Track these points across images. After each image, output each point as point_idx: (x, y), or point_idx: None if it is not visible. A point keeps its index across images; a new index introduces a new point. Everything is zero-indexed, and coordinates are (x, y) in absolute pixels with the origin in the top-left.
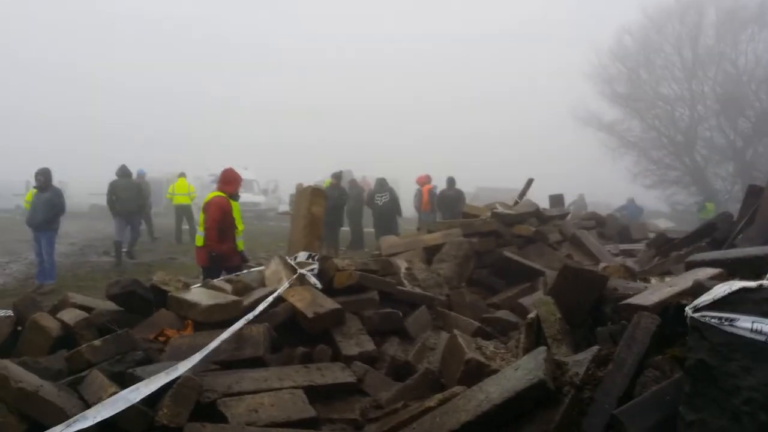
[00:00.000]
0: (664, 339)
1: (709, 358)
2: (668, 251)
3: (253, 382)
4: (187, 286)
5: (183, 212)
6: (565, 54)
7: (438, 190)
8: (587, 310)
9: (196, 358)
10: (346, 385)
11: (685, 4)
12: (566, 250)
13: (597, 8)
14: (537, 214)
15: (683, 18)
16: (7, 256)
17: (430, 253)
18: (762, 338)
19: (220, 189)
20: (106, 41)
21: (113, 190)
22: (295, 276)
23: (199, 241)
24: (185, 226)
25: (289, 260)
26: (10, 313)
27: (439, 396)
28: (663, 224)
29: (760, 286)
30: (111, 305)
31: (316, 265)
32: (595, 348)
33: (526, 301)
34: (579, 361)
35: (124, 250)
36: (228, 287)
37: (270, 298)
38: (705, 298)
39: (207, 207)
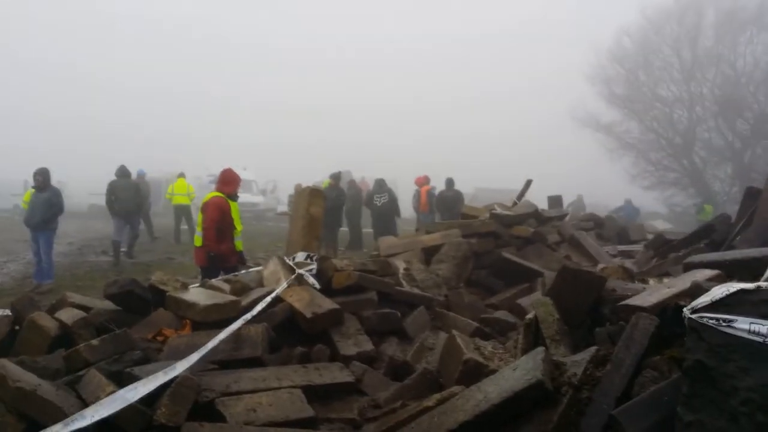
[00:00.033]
0: (662, 340)
1: (707, 359)
2: (666, 252)
3: (251, 381)
4: (185, 286)
5: (182, 212)
6: (564, 54)
7: (437, 191)
8: (585, 311)
9: (194, 357)
10: (345, 384)
11: (684, 5)
12: (565, 251)
13: (597, 8)
14: (535, 215)
15: (682, 19)
16: (6, 255)
17: (429, 253)
18: (759, 339)
19: (218, 189)
20: (106, 41)
21: (112, 190)
22: (293, 276)
23: (198, 241)
24: (184, 226)
25: (287, 260)
26: (8, 312)
27: (437, 396)
28: (661, 225)
29: (758, 287)
30: (109, 305)
31: (314, 266)
32: (594, 348)
33: (524, 301)
34: (577, 362)
35: (123, 249)
36: (226, 287)
37: (268, 298)
38: (703, 300)
39: (205, 207)
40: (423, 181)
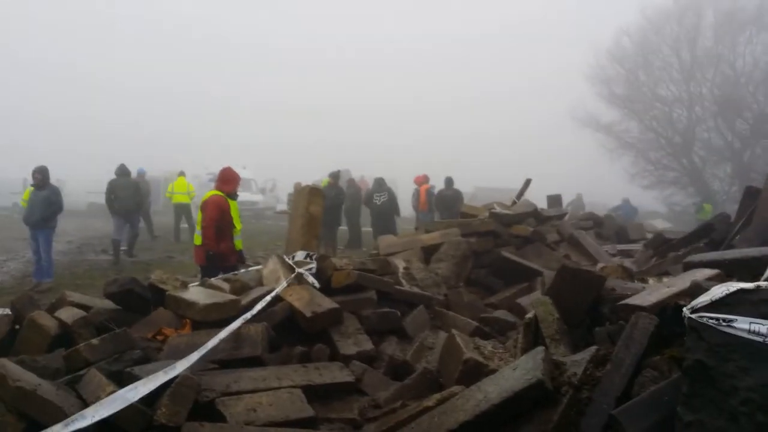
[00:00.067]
0: (662, 339)
1: (706, 359)
2: (666, 252)
3: (251, 381)
4: (185, 285)
5: (182, 211)
6: (565, 54)
7: (436, 190)
8: (585, 311)
9: (194, 357)
10: (345, 384)
11: (684, 5)
12: (564, 251)
13: (596, 8)
14: (535, 215)
15: (681, 20)
16: (5, 254)
17: (428, 252)
18: (759, 339)
19: (218, 188)
20: (106, 41)
21: (112, 189)
22: (293, 275)
23: (198, 240)
24: (184, 225)
25: (287, 259)
26: (7, 311)
27: (437, 396)
28: (660, 225)
29: (758, 287)
30: (109, 304)
31: (314, 265)
32: (593, 348)
33: (523, 301)
34: (577, 362)
35: (123, 248)
36: (226, 286)
37: (268, 297)
38: (703, 299)
39: (205, 206)
40: (422, 180)
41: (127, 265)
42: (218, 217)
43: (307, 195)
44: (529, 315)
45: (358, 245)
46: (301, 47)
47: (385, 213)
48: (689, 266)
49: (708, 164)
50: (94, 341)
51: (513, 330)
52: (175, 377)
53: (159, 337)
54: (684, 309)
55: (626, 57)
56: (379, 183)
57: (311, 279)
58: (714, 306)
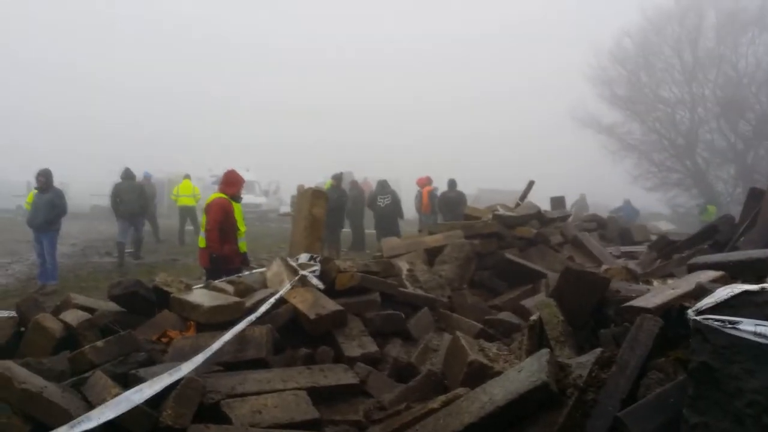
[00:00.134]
0: (667, 341)
1: (712, 361)
2: (670, 253)
3: (256, 383)
4: (189, 288)
5: (187, 213)
6: (565, 54)
7: (439, 192)
8: (589, 312)
9: (199, 359)
10: (349, 386)
11: (685, 6)
12: (568, 252)
13: (597, 9)
14: (538, 216)
15: (683, 20)
16: (9, 256)
17: (432, 254)
18: (765, 341)
19: (221, 190)
20: (106, 41)
21: (117, 192)
22: (297, 277)
23: (202, 242)
24: (189, 227)
25: (290, 261)
26: (12, 314)
27: (442, 398)
28: (664, 226)
29: (763, 289)
30: (113, 306)
31: (317, 267)
32: (598, 350)
33: (528, 303)
34: (582, 364)
35: (129, 251)
36: (230, 288)
37: (272, 300)
38: (707, 301)
39: (208, 208)
40: (425, 182)
41: (131, 267)
42: (222, 220)
43: (310, 197)
44: (534, 317)
45: (361, 247)
46: (301, 47)
47: (389, 215)
48: (694, 268)
49: (711, 166)
50: (99, 343)
51: (517, 332)
52: (180, 379)
53: (164, 340)
54: (689, 311)
55: (628, 58)
56: (383, 185)
57: (315, 281)
58: (719, 308)
